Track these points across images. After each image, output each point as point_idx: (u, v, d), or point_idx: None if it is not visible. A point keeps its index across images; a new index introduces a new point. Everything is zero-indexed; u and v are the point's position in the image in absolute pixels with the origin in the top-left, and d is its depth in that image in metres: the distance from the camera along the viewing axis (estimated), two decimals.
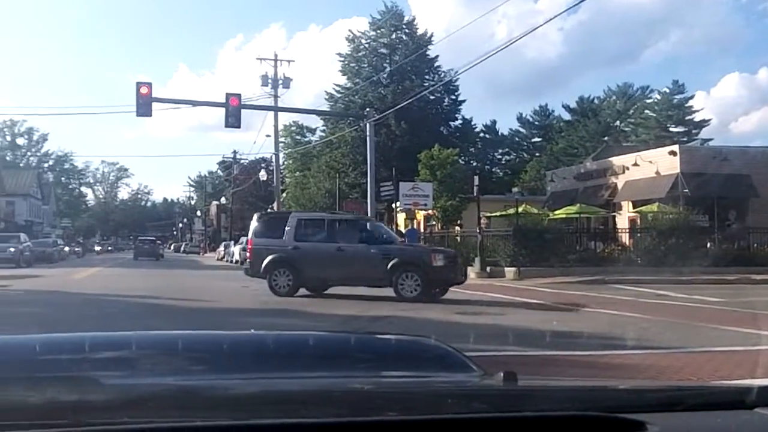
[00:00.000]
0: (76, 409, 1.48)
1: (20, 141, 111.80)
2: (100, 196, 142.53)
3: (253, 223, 19.31)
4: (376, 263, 17.02)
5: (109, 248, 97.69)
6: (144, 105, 27.96)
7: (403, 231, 33.42)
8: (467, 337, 8.54)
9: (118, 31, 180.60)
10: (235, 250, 49.10)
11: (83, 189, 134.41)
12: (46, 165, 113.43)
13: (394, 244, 18.04)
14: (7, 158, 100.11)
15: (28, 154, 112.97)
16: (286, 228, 17.87)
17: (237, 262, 46.28)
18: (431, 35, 55.27)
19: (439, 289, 17.30)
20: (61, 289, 21.18)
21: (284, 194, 59.14)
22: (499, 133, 77.71)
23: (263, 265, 17.73)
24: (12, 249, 38.63)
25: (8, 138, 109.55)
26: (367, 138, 33.80)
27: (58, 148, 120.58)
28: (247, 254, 19.08)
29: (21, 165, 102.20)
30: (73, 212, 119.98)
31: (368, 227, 18.70)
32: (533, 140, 79.12)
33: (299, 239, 17.79)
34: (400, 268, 16.96)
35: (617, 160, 37.82)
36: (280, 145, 56.24)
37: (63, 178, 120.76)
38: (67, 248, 62.20)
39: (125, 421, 1.42)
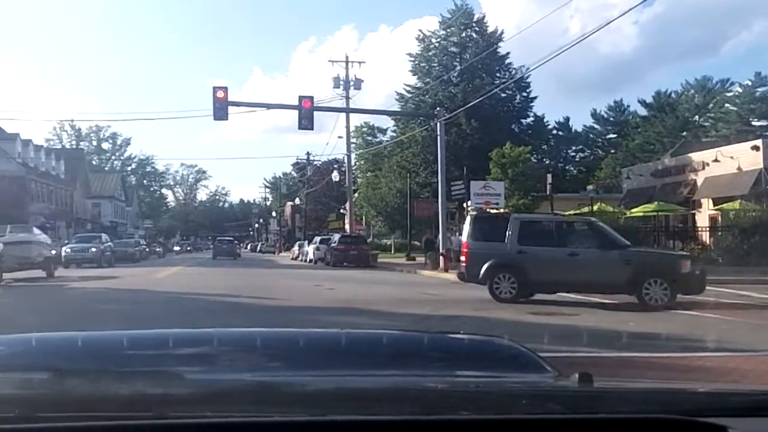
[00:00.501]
0: (161, 402, 1.53)
1: (105, 146, 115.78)
2: (180, 198, 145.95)
3: (468, 226, 18.16)
4: (615, 269, 15.88)
5: (188, 248, 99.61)
6: (220, 109, 28.54)
7: None
8: (541, 338, 8.45)
9: (196, 37, 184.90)
10: (309, 249, 49.64)
11: (164, 191, 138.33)
12: (129, 168, 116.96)
13: (630, 248, 16.90)
14: (93, 162, 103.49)
15: (113, 158, 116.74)
16: (508, 231, 16.84)
17: (311, 261, 46.82)
18: (502, 32, 54.81)
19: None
20: (145, 287, 21.75)
21: (356, 194, 59.41)
22: (573, 130, 76.52)
23: (483, 269, 16.65)
24: (93, 249, 39.64)
25: (94, 143, 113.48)
26: (438, 137, 33.72)
27: (140, 152, 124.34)
28: (462, 258, 17.83)
29: (106, 169, 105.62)
30: (154, 213, 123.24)
31: (598, 229, 17.60)
32: (608, 137, 77.61)
33: (523, 242, 16.70)
34: (647, 275, 15.76)
35: (696, 156, 36.86)
36: (352, 145, 56.61)
37: (145, 181, 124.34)
38: (148, 248, 63.64)
39: (206, 414, 1.46)
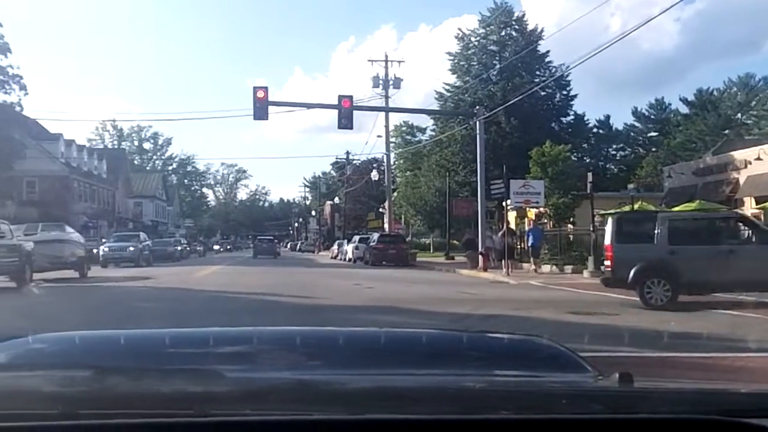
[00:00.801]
0: (202, 400, 1.55)
1: (146, 145, 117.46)
2: (221, 197, 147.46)
3: (610, 227, 16.82)
4: None
5: (228, 247, 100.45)
6: (261, 109, 28.80)
7: (526, 229, 32.91)
8: (581, 337, 8.37)
9: (237, 37, 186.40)
10: (348, 248, 49.81)
11: (204, 190, 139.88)
12: (170, 168, 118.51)
13: None
14: (135, 162, 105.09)
15: (154, 157, 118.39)
16: (656, 231, 15.77)
17: (350, 260, 46.97)
18: (542, 30, 54.38)
19: None
20: (185, 286, 22.00)
21: (395, 193, 59.46)
22: (613, 128, 75.69)
23: (632, 273, 15.36)
24: (131, 248, 39.21)
25: (136, 143, 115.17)
26: (477, 136, 33.62)
27: (181, 152, 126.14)
28: (607, 262, 16.52)
29: (147, 168, 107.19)
30: (195, 213, 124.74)
31: (752, 224, 16.66)
32: (649, 135, 76.64)
33: (674, 242, 15.61)
34: None
35: (739, 155, 36.25)
36: (391, 144, 56.68)
37: (186, 180, 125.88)
38: (189, 247, 64.25)
39: (246, 412, 1.48)
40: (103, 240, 44.18)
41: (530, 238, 29.87)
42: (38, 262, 22.74)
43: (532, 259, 29.19)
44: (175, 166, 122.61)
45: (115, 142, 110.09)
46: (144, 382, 1.70)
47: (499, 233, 30.04)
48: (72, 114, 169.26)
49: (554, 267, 28.13)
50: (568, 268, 27.25)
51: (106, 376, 1.73)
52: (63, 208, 55.03)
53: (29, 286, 20.71)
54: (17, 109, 44.17)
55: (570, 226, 33.63)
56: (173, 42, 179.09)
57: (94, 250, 38.18)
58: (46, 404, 1.51)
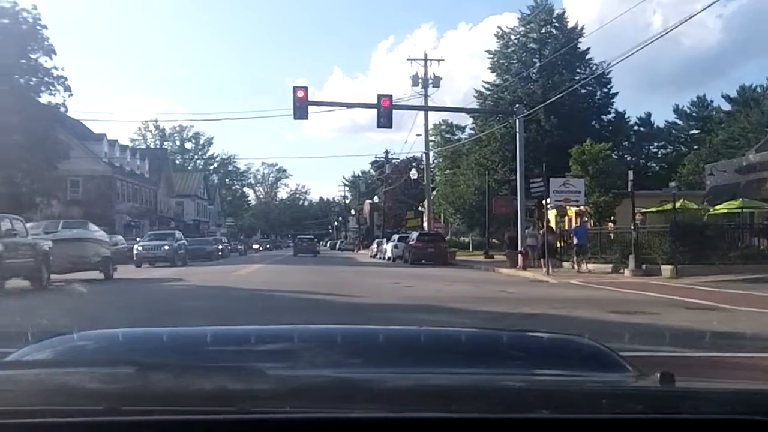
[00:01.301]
0: (243, 397, 1.56)
1: (188, 145, 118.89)
2: (261, 197, 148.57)
3: None
4: None
5: (268, 246, 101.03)
6: (300, 108, 28.98)
7: (573, 227, 32.49)
8: (621, 337, 8.27)
9: (278, 38, 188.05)
10: (388, 247, 49.85)
11: (245, 190, 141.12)
12: (211, 167, 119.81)
13: None
14: (177, 162, 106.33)
15: (195, 157, 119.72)
16: None
17: (389, 258, 47.02)
18: (582, 28, 53.93)
19: None
20: (224, 284, 22.19)
21: (434, 192, 59.37)
22: (655, 126, 74.65)
23: None
24: (166, 247, 38.40)
25: (177, 142, 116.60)
26: (517, 134, 33.45)
27: (222, 152, 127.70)
28: None
29: (189, 168, 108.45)
30: (236, 212, 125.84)
31: None
32: (691, 132, 75.46)
33: None
34: None
35: None
36: (431, 143, 56.59)
37: (227, 180, 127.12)
38: (230, 246, 64.71)
39: (287, 410, 1.49)
40: (138, 239, 43.52)
41: (576, 236, 29.48)
42: (58, 263, 21.37)
43: (576, 258, 28.81)
44: (216, 165, 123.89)
45: (158, 142, 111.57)
46: (186, 379, 1.72)
47: (541, 232, 29.74)
48: (116, 115, 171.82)
49: (595, 266, 27.85)
50: (609, 267, 26.97)
51: (149, 373, 1.76)
52: (107, 208, 55.99)
53: (46, 287, 19.57)
54: (62, 110, 44.85)
55: (611, 224, 33.28)
56: (215, 43, 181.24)
57: (134, 248, 38.30)
58: (91, 400, 1.54)
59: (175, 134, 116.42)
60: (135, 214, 64.05)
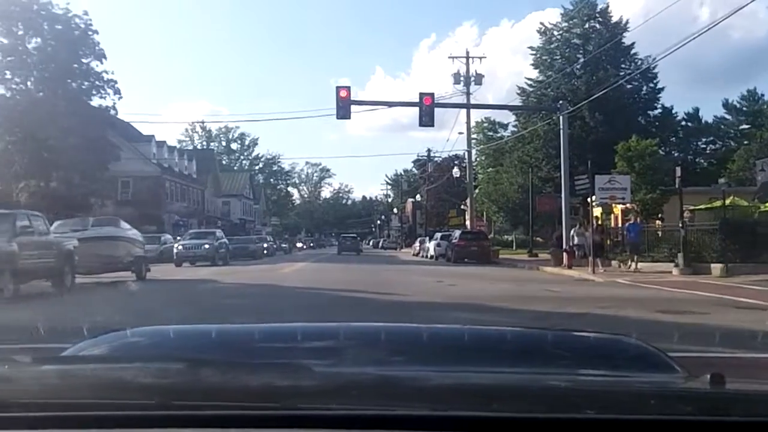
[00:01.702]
0: (289, 394, 1.59)
1: (234, 146, 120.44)
2: (305, 196, 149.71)
3: None
4: None
5: (311, 244, 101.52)
6: (343, 108, 29.11)
7: (626, 226, 31.78)
8: (670, 337, 8.15)
9: (321, 38, 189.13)
10: (430, 245, 49.79)
11: (290, 189, 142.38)
12: (256, 167, 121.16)
13: None
14: (223, 162, 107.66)
15: (241, 157, 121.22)
16: None
17: (432, 257, 46.95)
18: (626, 22, 53.33)
19: None
20: (273, 282, 22.29)
21: (477, 190, 59.14)
22: (703, 121, 73.41)
23: None
24: (207, 246, 37.43)
25: (224, 143, 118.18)
26: (561, 131, 33.15)
27: (267, 152, 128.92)
28: None
29: (235, 168, 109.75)
30: (281, 211, 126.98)
31: None
32: (741, 127, 73.91)
33: None
34: None
35: None
36: (473, 141, 56.41)
37: (272, 179, 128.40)
38: (275, 245, 65.21)
39: (332, 407, 1.50)
40: (178, 238, 43.00)
41: (630, 234, 28.84)
42: (86, 263, 20.00)
43: (629, 257, 28.16)
44: (261, 165, 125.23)
45: (204, 143, 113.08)
46: (234, 375, 1.75)
47: (589, 230, 29.26)
48: (164, 117, 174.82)
49: (643, 264, 27.46)
50: (657, 266, 26.59)
51: (199, 368, 1.79)
52: (156, 208, 56.84)
53: (69, 289, 18.18)
54: (112, 112, 45.73)
55: (658, 222, 32.80)
56: (261, 45, 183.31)
57: (174, 247, 38.09)
58: (142, 395, 1.57)
59: (221, 135, 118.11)
60: (183, 214, 64.90)
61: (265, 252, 53.33)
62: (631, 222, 30.33)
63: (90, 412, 1.47)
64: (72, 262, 19.03)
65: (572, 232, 31.04)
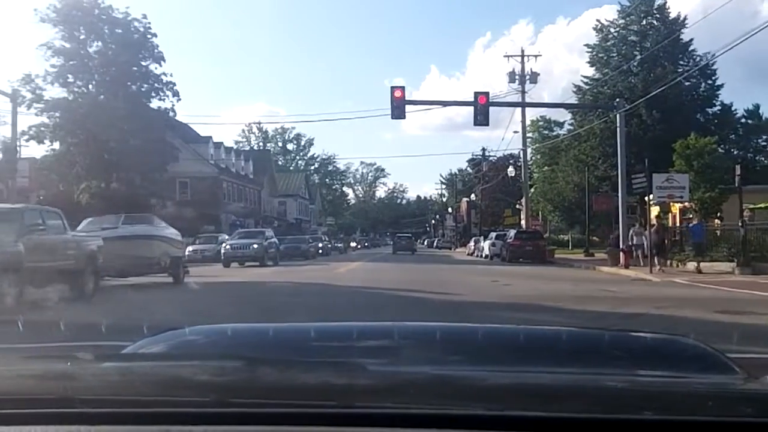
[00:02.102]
0: (344, 392, 1.60)
1: (290, 146, 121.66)
2: (360, 195, 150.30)
3: None
4: None
5: (366, 244, 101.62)
6: (398, 108, 29.12)
7: (690, 226, 30.76)
8: (729, 338, 7.97)
9: (377, 39, 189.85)
10: (485, 245, 49.56)
11: (345, 189, 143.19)
12: (312, 168, 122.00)
13: None
14: (279, 162, 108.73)
15: (297, 158, 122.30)
16: None
17: (486, 256, 46.72)
18: (684, 18, 52.28)
19: None
20: (326, 282, 22.40)
21: (532, 189, 58.63)
22: (764, 118, 71.53)
23: None
24: (255, 245, 36.37)
25: (280, 144, 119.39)
26: (617, 129, 32.66)
27: (322, 152, 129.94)
28: None
29: (291, 168, 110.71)
30: (336, 210, 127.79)
31: None
32: None
33: None
34: None
35: None
36: (528, 140, 55.90)
37: (327, 180, 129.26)
38: (330, 244, 65.59)
39: (387, 405, 1.51)
40: (226, 237, 42.10)
41: (693, 235, 27.92)
42: (113, 264, 18.33)
43: (695, 258, 27.15)
44: (317, 165, 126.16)
45: (261, 144, 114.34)
46: (290, 374, 1.78)
47: (652, 229, 28.51)
48: (221, 118, 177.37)
49: (701, 264, 26.90)
50: (716, 266, 26.03)
51: (256, 366, 1.82)
52: (214, 208, 57.60)
53: (91, 295, 16.28)
54: (170, 114, 46.51)
55: (717, 221, 32.12)
56: (316, 45, 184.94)
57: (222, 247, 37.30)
58: (199, 392, 1.60)
59: (278, 136, 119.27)
60: (241, 214, 65.68)
61: (320, 252, 53.55)
62: (695, 222, 29.43)
63: (148, 408, 1.50)
64: (95, 264, 17.09)
65: (631, 231, 30.51)
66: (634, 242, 29.83)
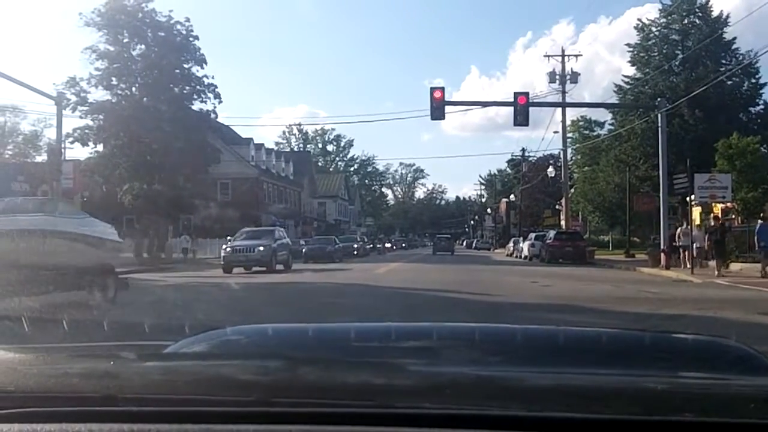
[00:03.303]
0: (384, 392, 1.61)
1: (330, 147, 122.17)
2: (399, 196, 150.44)
3: None
4: None
5: (403, 245, 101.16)
6: (437, 109, 29.09)
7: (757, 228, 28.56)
8: None
9: (417, 39, 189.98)
10: (524, 245, 49.26)
11: (384, 190, 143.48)
12: (351, 169, 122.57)
13: None
14: (319, 164, 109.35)
15: (336, 159, 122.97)
16: None
17: (526, 257, 46.44)
18: (727, 16, 51.49)
19: None
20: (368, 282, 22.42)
21: (572, 190, 58.16)
22: None
23: None
24: (261, 248, 31.12)
25: (320, 145, 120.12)
26: (659, 129, 32.30)
27: (362, 153, 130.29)
28: None
29: (330, 169, 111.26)
30: (375, 211, 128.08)
31: None
32: None
33: None
34: None
35: None
36: (568, 140, 55.47)
37: (366, 181, 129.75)
38: (367, 245, 65.56)
39: (426, 405, 1.52)
40: (228, 238, 35.55)
41: (761, 237, 25.07)
42: None
43: (764, 262, 24.80)
44: (356, 167, 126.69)
45: (301, 145, 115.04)
46: (331, 373, 1.80)
47: (708, 231, 27.48)
48: (262, 120, 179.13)
49: (744, 266, 26.39)
50: (759, 267, 25.46)
51: (296, 366, 1.84)
52: (255, 209, 58.05)
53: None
54: (212, 116, 46.99)
55: (760, 221, 31.56)
56: (357, 46, 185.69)
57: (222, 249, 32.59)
58: (242, 391, 1.62)
59: (318, 137, 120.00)
60: (281, 215, 66.12)
61: (355, 253, 53.46)
62: (763, 223, 26.67)
63: (189, 407, 1.52)
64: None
65: (678, 230, 29.83)
66: (682, 242, 28.94)
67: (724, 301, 15.43)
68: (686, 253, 28.60)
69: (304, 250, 44.44)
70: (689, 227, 29.56)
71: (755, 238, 25.39)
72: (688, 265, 27.46)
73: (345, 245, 52.39)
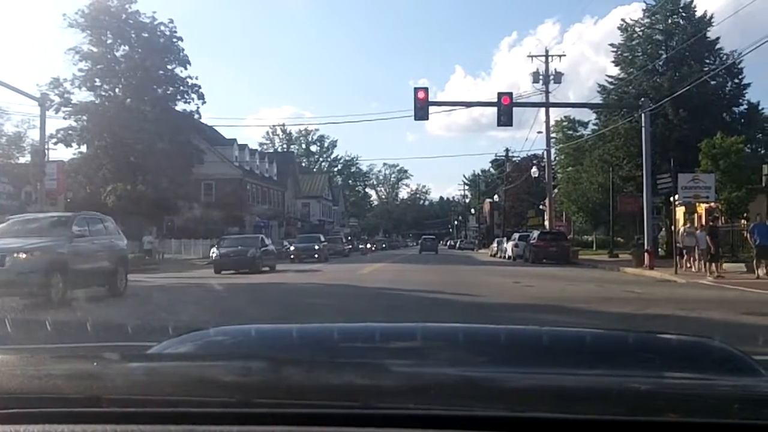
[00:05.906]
0: (369, 393, 1.61)
1: (313, 148, 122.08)
2: (383, 197, 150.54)
3: None
4: None
5: (383, 245, 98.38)
6: (421, 109, 29.11)
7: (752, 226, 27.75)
8: (755, 340, 7.90)
9: (403, 39, 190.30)
10: (508, 246, 49.40)
11: (368, 190, 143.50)
12: (335, 169, 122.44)
13: None
14: (303, 164, 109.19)
15: (320, 159, 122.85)
16: None
17: (509, 257, 46.57)
18: (711, 17, 51.79)
19: None
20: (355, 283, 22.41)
21: (556, 190, 58.36)
22: None
23: None
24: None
25: (303, 145, 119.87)
26: (643, 129, 32.49)
27: (345, 153, 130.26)
28: None
29: (314, 170, 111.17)
30: (359, 212, 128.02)
31: None
32: None
33: None
34: None
35: None
36: (552, 140, 55.70)
37: (350, 181, 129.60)
38: (350, 246, 65.70)
39: (410, 406, 1.52)
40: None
41: (758, 235, 24.09)
42: None
43: (758, 262, 24.20)
44: (340, 167, 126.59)
45: (285, 146, 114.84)
46: (314, 374, 1.79)
47: (704, 230, 27.11)
48: (248, 120, 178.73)
49: (727, 265, 26.53)
50: (742, 267, 25.67)
51: (280, 367, 1.83)
52: (239, 209, 57.89)
53: None
54: (195, 116, 46.85)
55: (743, 221, 31.77)
56: (340, 47, 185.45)
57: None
58: (225, 392, 1.61)
59: (301, 138, 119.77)
60: (265, 216, 65.96)
61: (347, 253, 53.55)
62: (757, 222, 25.94)
63: (173, 408, 1.51)
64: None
65: (682, 230, 29.59)
66: (685, 243, 28.13)
67: (708, 301, 15.54)
68: (690, 255, 28.13)
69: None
70: (693, 227, 29.44)
71: (749, 236, 25.07)
72: (696, 268, 27.10)
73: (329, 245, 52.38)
